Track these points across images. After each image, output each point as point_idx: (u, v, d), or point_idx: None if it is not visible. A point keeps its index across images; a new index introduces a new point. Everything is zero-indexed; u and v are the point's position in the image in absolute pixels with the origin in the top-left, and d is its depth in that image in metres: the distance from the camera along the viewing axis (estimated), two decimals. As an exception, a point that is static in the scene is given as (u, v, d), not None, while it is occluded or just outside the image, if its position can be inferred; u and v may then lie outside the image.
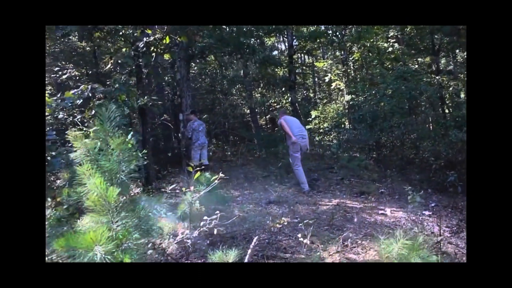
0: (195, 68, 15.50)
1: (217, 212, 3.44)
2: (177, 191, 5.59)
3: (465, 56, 15.47)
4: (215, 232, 3.41)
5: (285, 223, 4.32)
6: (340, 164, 9.10)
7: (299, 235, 3.86)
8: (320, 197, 6.91)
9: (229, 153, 13.26)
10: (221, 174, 3.65)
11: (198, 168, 3.62)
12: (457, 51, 16.17)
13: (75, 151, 2.10)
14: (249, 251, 3.30)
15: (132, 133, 6.26)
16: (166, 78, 14.02)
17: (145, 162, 6.06)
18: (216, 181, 3.65)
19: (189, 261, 3.66)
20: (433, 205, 6.02)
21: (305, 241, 3.75)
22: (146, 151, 7.60)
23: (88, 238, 1.65)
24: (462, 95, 13.36)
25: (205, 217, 3.39)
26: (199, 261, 3.75)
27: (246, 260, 3.21)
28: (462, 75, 15.16)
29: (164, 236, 3.48)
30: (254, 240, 3.34)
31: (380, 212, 5.63)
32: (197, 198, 3.57)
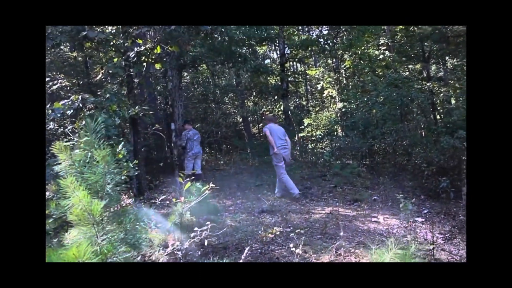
0: (187, 77, 15.48)
1: (208, 222, 3.40)
2: (168, 202, 5.54)
3: (455, 63, 15.64)
4: (206, 243, 3.36)
5: (278, 233, 4.29)
6: (333, 171, 9.09)
7: (291, 245, 3.82)
8: (313, 205, 6.88)
9: (222, 162, 13.22)
10: (211, 185, 3.61)
11: (189, 179, 3.58)
12: (447, 58, 16.32)
13: (60, 163, 2.06)
14: (241, 261, 3.26)
15: (123, 143, 6.21)
16: (158, 87, 13.98)
17: (136, 173, 6.01)
18: (207, 191, 3.61)
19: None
20: (425, 211, 6.01)
21: (297, 251, 3.71)
22: (137, 161, 7.55)
23: (71, 254, 1.60)
24: (453, 101, 13.45)
25: (196, 228, 3.34)
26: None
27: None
28: (452, 81, 15.29)
29: (154, 247, 3.43)
30: (246, 251, 3.30)
31: (373, 219, 5.61)
32: (187, 208, 3.52)
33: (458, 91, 12.62)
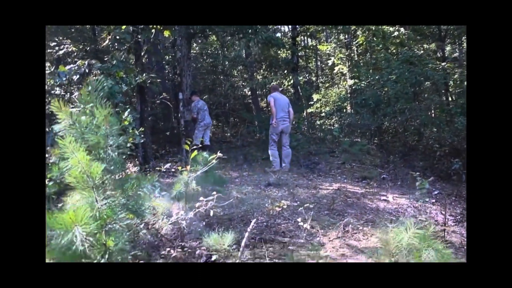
0: (197, 48, 15.18)
1: (214, 193, 3.27)
2: (173, 170, 5.43)
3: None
4: (211, 213, 3.25)
5: (285, 206, 4.17)
6: (342, 148, 8.93)
7: (299, 219, 3.70)
8: (321, 181, 6.77)
9: (228, 134, 13.09)
10: (219, 154, 3.47)
11: (195, 147, 3.44)
12: (463, 38, 15.84)
13: (59, 123, 1.92)
14: (247, 234, 3.15)
15: (129, 110, 6.07)
16: (167, 57, 13.76)
17: (142, 140, 5.89)
18: (214, 161, 3.48)
19: (183, 243, 3.51)
20: (436, 192, 5.87)
21: (305, 225, 3.59)
22: (143, 129, 7.42)
23: (67, 218, 1.48)
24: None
25: (202, 198, 3.22)
26: (194, 244, 3.60)
27: (243, 244, 3.06)
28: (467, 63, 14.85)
29: (158, 216, 3.33)
30: (252, 223, 3.19)
31: (382, 198, 5.48)
32: (193, 178, 3.40)
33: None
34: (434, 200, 5.40)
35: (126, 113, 5.66)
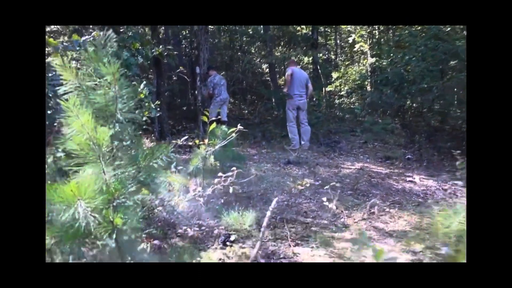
0: (215, 22, 14.82)
1: (234, 168, 3.04)
2: (190, 146, 5.22)
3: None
4: (230, 190, 3.03)
5: (307, 185, 3.93)
6: (363, 127, 8.61)
7: (324, 199, 3.45)
8: (342, 159, 6.50)
9: (246, 111, 12.83)
10: (239, 126, 3.23)
11: (214, 119, 3.19)
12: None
13: (63, 84, 1.69)
14: (268, 213, 2.92)
15: (144, 82, 5.83)
16: (184, 32, 13.48)
17: (158, 114, 5.68)
18: (233, 134, 3.24)
19: (200, 222, 3.31)
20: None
21: (330, 205, 3.36)
22: (159, 103, 7.20)
23: (68, 191, 1.26)
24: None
25: (220, 174, 3.00)
26: (212, 222, 3.39)
27: (264, 223, 2.84)
28: None
29: (174, 192, 3.13)
30: (274, 202, 2.95)
31: (408, 179, 5.20)
32: (211, 152, 3.17)
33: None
34: (464, 184, 5.08)
35: (141, 86, 5.45)
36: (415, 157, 6.52)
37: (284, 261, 2.83)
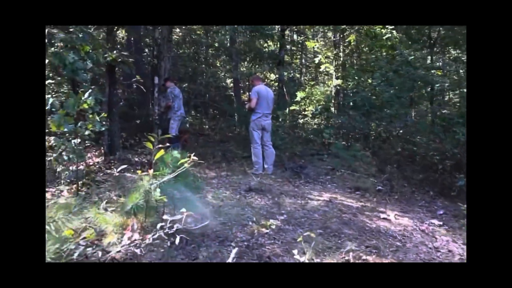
0: (180, 33, 14.13)
1: (183, 210, 2.37)
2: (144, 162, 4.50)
3: (456, 55, 14.60)
4: (177, 240, 2.34)
5: (273, 227, 3.32)
6: (332, 152, 8.14)
7: (295, 252, 2.81)
8: (309, 188, 5.94)
9: (207, 126, 12.17)
10: (193, 157, 2.57)
11: (160, 146, 2.49)
12: (450, 48, 15.17)
13: None
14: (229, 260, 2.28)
15: (90, 90, 5.00)
16: (147, 40, 12.79)
17: (104, 128, 4.94)
18: (186, 164, 2.58)
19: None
20: (441, 212, 5.12)
21: (302, 259, 2.75)
22: (109, 115, 6.37)
23: None
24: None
25: (165, 217, 2.33)
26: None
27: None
28: (448, 73, 14.18)
29: (107, 235, 2.44)
30: (232, 254, 2.31)
31: (382, 216, 4.69)
32: (157, 185, 2.51)
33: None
34: (441, 223, 4.63)
35: (86, 95, 4.70)
36: (386, 189, 6.06)
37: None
